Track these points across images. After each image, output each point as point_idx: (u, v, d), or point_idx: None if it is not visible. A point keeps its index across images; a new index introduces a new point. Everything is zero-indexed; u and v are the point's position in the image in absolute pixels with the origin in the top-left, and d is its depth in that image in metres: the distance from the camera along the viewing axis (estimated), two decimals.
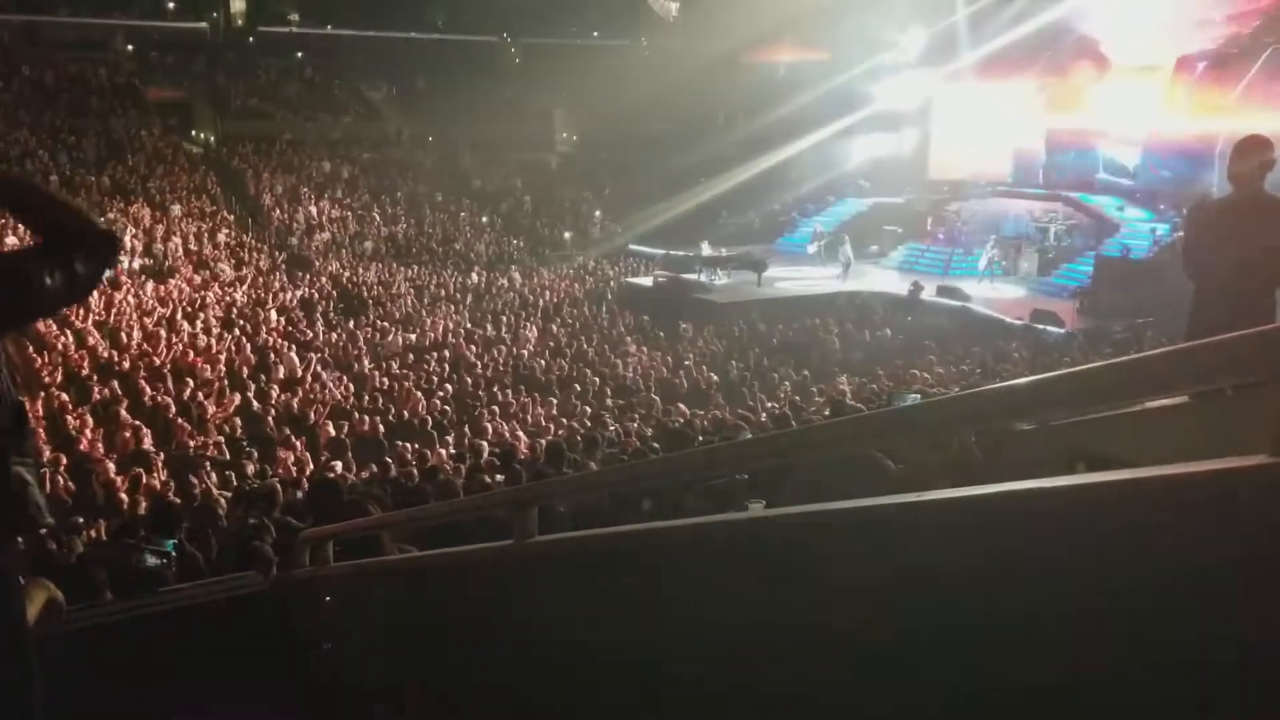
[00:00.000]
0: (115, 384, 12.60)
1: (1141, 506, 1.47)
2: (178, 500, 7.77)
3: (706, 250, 24.76)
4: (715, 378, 14.69)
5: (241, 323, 17.13)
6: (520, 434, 10.98)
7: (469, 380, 14.05)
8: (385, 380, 13.93)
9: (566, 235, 30.75)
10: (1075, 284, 21.87)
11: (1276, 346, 1.41)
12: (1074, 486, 1.61)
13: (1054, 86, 27.11)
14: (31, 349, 13.84)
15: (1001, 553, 1.63)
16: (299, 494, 7.76)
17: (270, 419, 11.54)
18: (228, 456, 10.18)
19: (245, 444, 10.55)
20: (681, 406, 12.05)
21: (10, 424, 1.86)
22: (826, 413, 9.34)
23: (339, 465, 9.72)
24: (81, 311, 16.98)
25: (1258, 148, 4.44)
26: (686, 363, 15.71)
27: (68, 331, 15.34)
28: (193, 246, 23.90)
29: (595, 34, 38.87)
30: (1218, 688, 1.37)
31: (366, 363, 14.96)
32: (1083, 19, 26.24)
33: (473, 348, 16.38)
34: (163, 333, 15.67)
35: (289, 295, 20.15)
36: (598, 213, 33.22)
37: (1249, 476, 1.34)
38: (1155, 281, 17.84)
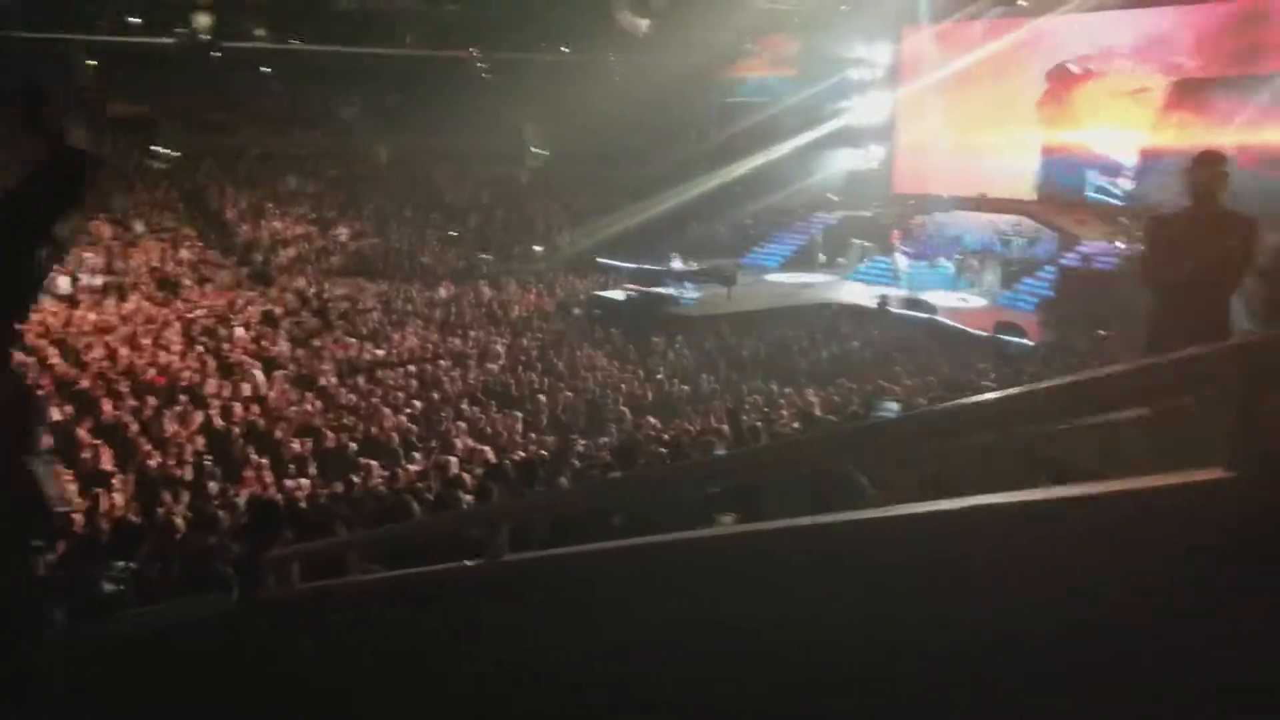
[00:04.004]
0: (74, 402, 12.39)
1: (1106, 519, 1.49)
2: (137, 521, 7.63)
3: (677, 264, 24.85)
4: (687, 388, 14.72)
5: (205, 339, 16.91)
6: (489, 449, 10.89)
7: (437, 395, 13.95)
8: (352, 396, 13.79)
9: (537, 248, 30.68)
10: (1038, 296, 22.16)
11: (1219, 363, 1.44)
12: (1039, 500, 1.63)
13: (1046, 106, 26.84)
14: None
15: (969, 565, 1.64)
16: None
17: (235, 436, 11.38)
18: (190, 475, 10.01)
19: (209, 462, 10.39)
20: (652, 420, 12.03)
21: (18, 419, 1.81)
22: (795, 425, 9.38)
23: (305, 482, 9.60)
24: (42, 328, 16.69)
25: (1213, 161, 4.59)
26: (658, 376, 15.71)
27: (25, 350, 15.07)
28: (155, 263, 23.59)
29: (564, 49, 38.88)
30: (1181, 697, 1.38)
31: (333, 378, 14.81)
32: (1059, 38, 26.31)
33: (441, 362, 16.26)
34: (124, 350, 15.41)
35: (254, 311, 19.93)
36: (567, 226, 33.18)
37: (1205, 489, 1.37)
38: (1116, 292, 18.08)
